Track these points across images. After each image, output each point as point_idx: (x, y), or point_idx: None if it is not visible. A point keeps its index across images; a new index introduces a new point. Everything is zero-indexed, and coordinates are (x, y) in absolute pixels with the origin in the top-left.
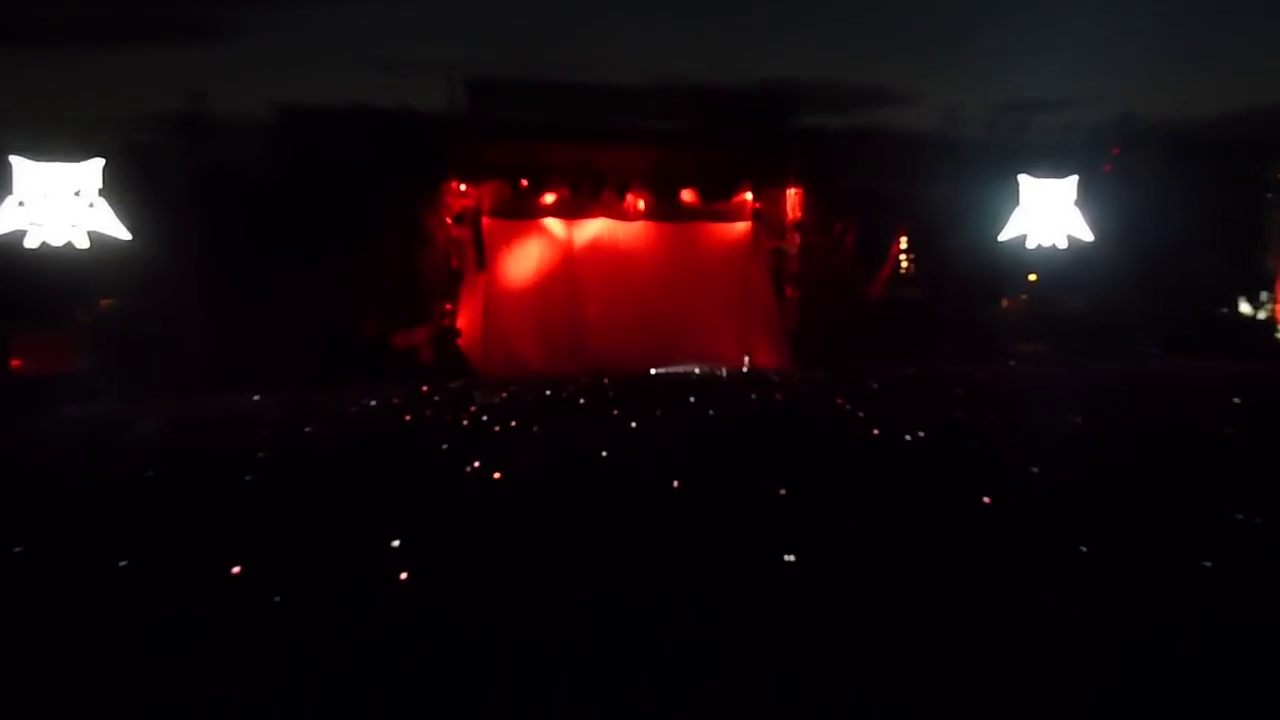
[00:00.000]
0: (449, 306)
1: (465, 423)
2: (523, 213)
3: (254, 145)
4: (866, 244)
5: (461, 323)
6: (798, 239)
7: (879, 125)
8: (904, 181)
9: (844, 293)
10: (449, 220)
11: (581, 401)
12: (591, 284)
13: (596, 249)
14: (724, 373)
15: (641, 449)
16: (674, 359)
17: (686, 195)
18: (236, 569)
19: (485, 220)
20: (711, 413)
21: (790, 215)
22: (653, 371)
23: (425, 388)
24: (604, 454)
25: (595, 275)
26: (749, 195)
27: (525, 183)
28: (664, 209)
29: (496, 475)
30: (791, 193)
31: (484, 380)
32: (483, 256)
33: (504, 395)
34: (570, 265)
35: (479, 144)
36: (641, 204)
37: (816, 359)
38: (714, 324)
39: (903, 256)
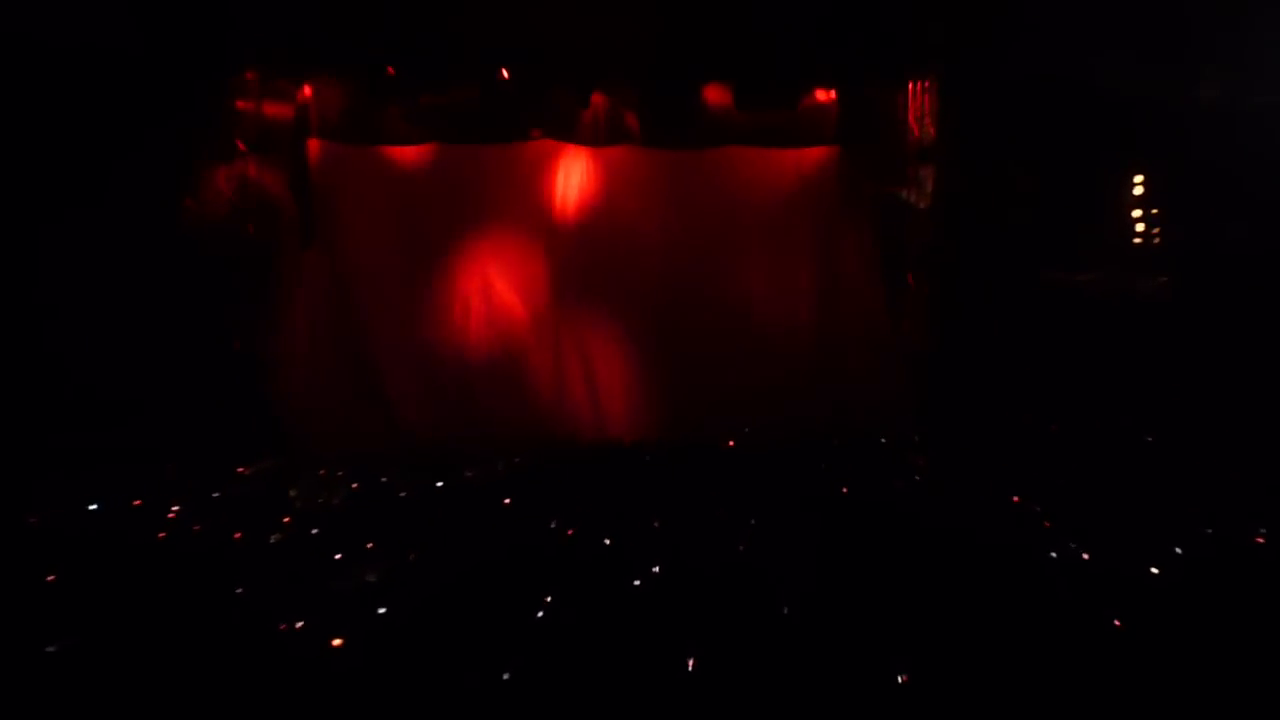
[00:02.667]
0: (242, 316)
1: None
2: (389, 132)
3: None
4: (1064, 191)
5: (268, 346)
6: (929, 179)
7: None
8: (1141, 68)
9: (1020, 284)
10: (241, 147)
11: (507, 503)
12: (523, 269)
13: (533, 202)
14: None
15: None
16: (682, 414)
17: (714, 94)
18: None
19: (315, 146)
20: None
21: (913, 134)
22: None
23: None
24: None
25: (530, 253)
26: (831, 95)
27: (392, 72)
28: (667, 123)
29: None
30: (915, 90)
31: (311, 459)
32: (312, 217)
33: (349, 490)
34: (483, 234)
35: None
36: (623, 115)
37: (967, 407)
38: (763, 344)
39: (1135, 214)
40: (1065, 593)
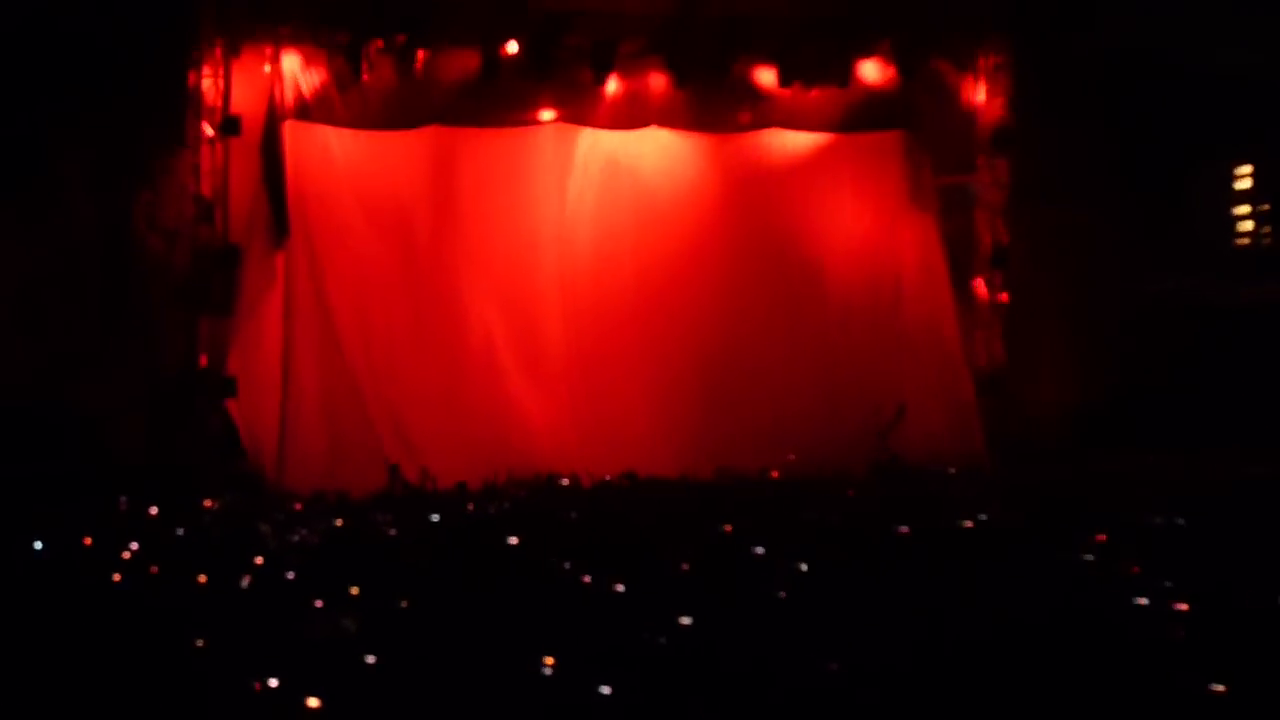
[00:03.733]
0: (204, 329)
1: None
2: (376, 115)
3: None
4: (1162, 183)
5: (235, 364)
6: (1004, 168)
7: None
8: (1258, 43)
9: (1116, 291)
10: (205, 131)
11: (513, 543)
12: (531, 273)
13: (544, 196)
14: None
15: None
16: (713, 444)
17: (764, 75)
18: None
19: (291, 129)
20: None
21: (985, 116)
22: None
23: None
24: None
25: (539, 253)
26: (890, 72)
27: (381, 44)
28: (702, 103)
29: None
30: (986, 66)
31: (282, 501)
32: (284, 213)
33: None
34: (486, 232)
35: None
36: (648, 93)
37: (1056, 439)
38: (812, 361)
39: (1243, 210)
40: (1156, 653)
